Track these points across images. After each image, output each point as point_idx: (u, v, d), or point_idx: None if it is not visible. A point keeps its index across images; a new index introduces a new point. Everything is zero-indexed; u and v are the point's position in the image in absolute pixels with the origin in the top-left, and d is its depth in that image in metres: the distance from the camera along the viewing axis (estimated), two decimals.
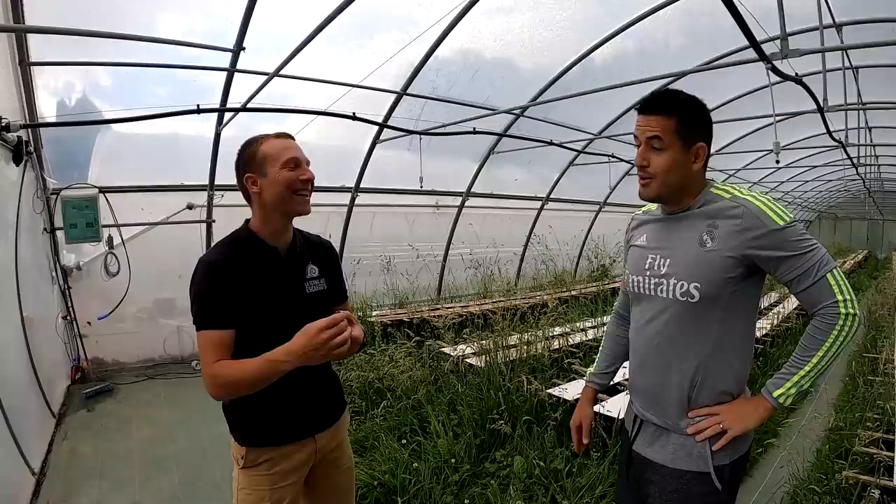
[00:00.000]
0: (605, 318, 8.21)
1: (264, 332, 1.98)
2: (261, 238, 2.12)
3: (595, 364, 2.54)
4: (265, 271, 2.07)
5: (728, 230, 1.81)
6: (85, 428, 5.42)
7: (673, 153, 1.86)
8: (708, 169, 1.97)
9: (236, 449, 2.14)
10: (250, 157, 2.08)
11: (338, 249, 8.96)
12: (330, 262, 2.35)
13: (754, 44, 3.69)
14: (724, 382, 1.91)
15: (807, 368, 1.81)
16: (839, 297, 1.75)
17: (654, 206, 2.16)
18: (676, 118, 1.84)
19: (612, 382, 2.56)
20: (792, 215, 1.79)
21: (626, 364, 2.31)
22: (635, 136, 1.96)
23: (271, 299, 2.05)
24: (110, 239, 6.68)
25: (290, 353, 1.80)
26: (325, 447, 2.24)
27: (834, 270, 1.76)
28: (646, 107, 1.91)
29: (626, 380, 2.28)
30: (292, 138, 2.15)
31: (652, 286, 2.00)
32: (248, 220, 2.18)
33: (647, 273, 2.02)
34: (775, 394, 1.84)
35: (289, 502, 2.13)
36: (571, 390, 4.98)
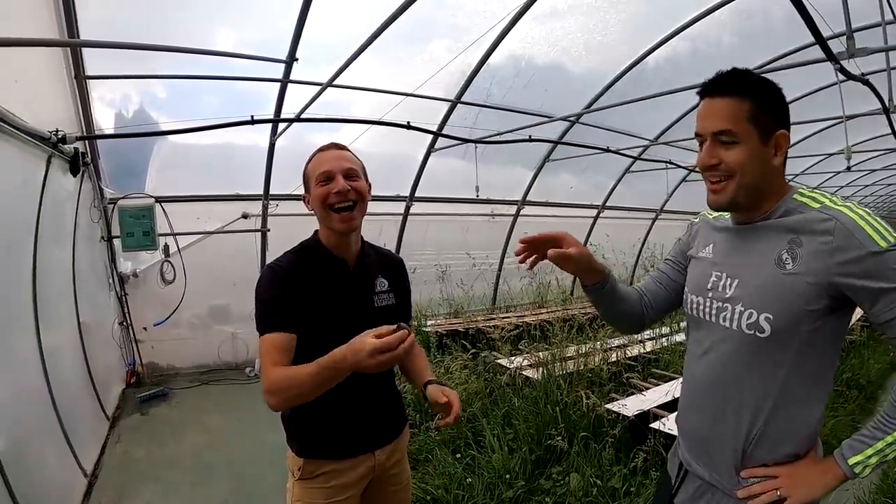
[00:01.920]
0: (662, 329, 7.98)
1: (329, 342, 1.84)
2: (327, 248, 2.08)
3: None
4: (331, 281, 2.04)
5: (814, 249, 1.43)
6: (138, 431, 5.50)
7: (750, 145, 1.49)
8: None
9: (293, 460, 2.10)
10: (303, 177, 2.07)
11: None
12: (399, 278, 2.29)
13: (822, 42, 3.49)
14: (789, 438, 1.55)
15: None
16: None
17: (726, 213, 1.74)
18: (751, 100, 1.48)
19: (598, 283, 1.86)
20: None
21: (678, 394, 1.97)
22: (697, 134, 1.59)
23: (337, 310, 2.01)
24: (166, 247, 6.78)
25: (343, 359, 1.66)
26: (384, 463, 2.17)
27: None
28: (712, 87, 1.55)
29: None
30: (340, 147, 2.08)
31: (714, 311, 1.64)
32: (316, 231, 2.15)
33: (710, 294, 1.67)
34: (851, 461, 1.46)
35: None
36: (631, 406, 4.81)
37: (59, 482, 3.85)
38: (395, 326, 1.65)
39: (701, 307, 1.70)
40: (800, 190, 1.56)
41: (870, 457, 1.44)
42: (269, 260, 2.13)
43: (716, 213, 1.81)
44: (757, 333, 1.51)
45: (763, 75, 1.56)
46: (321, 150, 2.06)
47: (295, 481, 2.09)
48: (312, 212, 2.04)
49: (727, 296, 1.60)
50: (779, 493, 1.52)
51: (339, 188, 1.95)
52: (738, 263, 1.61)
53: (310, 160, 2.06)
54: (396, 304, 2.21)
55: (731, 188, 1.53)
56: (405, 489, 2.34)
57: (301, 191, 2.11)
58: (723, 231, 1.73)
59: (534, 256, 1.84)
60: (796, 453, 1.56)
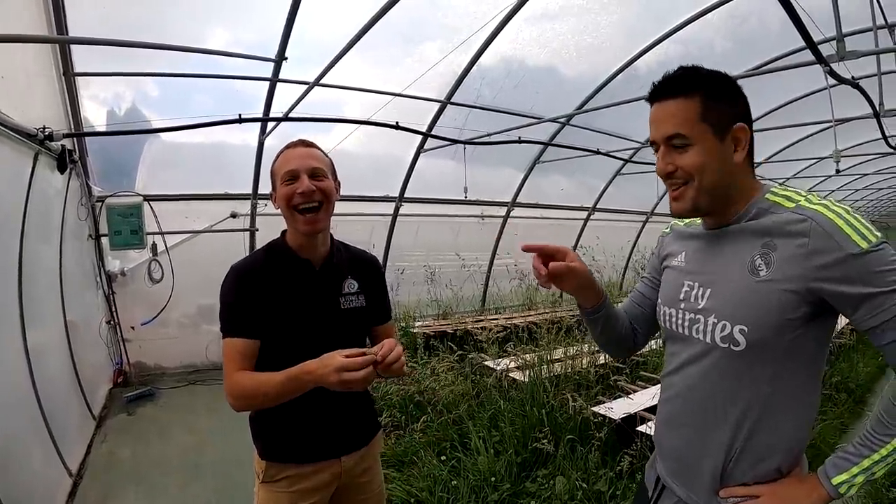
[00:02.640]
0: None
1: (292, 345, 1.91)
2: (293, 249, 2.03)
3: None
4: (295, 283, 1.99)
5: (789, 253, 1.34)
6: (124, 431, 5.47)
7: (705, 146, 1.41)
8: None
9: (257, 462, 2.07)
10: (271, 173, 2.04)
11: (381, 259, 8.96)
12: (372, 279, 2.22)
13: (812, 46, 3.51)
14: (771, 454, 1.45)
15: (884, 452, 1.32)
16: None
17: (698, 220, 1.66)
18: (701, 97, 1.40)
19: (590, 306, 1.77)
20: (879, 234, 1.28)
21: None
22: (651, 142, 1.51)
23: (300, 312, 1.97)
24: (154, 246, 6.76)
25: (309, 372, 1.71)
26: (351, 470, 2.11)
27: None
28: (659, 90, 1.46)
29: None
30: (307, 145, 2.03)
31: (686, 324, 1.56)
32: (285, 231, 2.11)
33: (682, 306, 1.58)
34: (835, 480, 1.36)
35: None
36: (617, 409, 4.82)
37: (44, 482, 3.83)
38: (362, 350, 1.69)
39: (674, 319, 1.62)
40: (772, 189, 1.47)
41: (855, 475, 1.35)
42: None
43: (686, 220, 1.74)
44: (732, 347, 1.43)
45: (714, 70, 1.48)
46: (288, 147, 2.02)
47: (259, 484, 2.06)
48: (276, 207, 2.00)
49: (699, 307, 1.52)
50: None
51: (303, 188, 1.90)
52: (711, 272, 1.53)
53: (277, 157, 2.01)
54: (368, 306, 2.16)
55: (690, 194, 1.46)
56: (376, 498, 2.26)
57: None
58: (694, 238, 1.65)
59: (546, 273, 1.64)
60: (779, 469, 1.46)
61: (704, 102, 1.40)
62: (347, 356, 1.65)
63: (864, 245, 1.26)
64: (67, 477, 4.24)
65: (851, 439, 1.41)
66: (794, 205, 1.38)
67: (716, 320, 1.46)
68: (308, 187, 1.90)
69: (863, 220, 1.30)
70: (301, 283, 2.00)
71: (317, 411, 2.00)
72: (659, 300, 1.73)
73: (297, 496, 2.00)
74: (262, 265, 1.99)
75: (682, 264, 1.65)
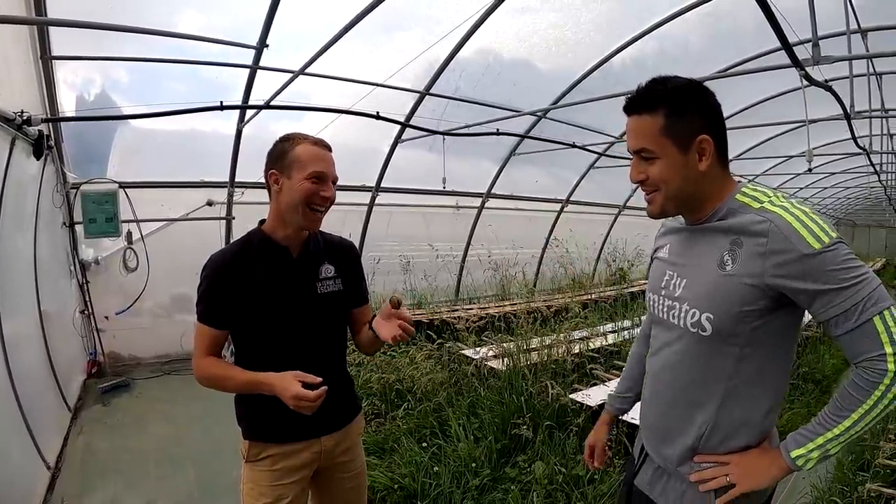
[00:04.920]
0: (623, 322, 8.13)
1: (273, 329, 2.05)
2: (272, 237, 2.10)
3: (617, 385, 2.30)
4: (273, 270, 2.07)
5: (751, 251, 1.48)
6: (101, 423, 5.41)
7: (669, 159, 1.56)
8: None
9: (242, 443, 2.17)
10: (281, 154, 2.03)
11: (357, 248, 8.84)
12: (349, 264, 2.30)
13: (788, 49, 3.58)
14: (738, 434, 1.62)
15: (836, 430, 1.47)
16: (889, 350, 1.37)
17: None
18: (664, 113, 1.54)
19: (631, 407, 2.23)
20: (834, 234, 1.42)
21: None
22: (629, 150, 1.68)
23: (278, 298, 2.06)
24: (129, 234, 6.67)
25: (270, 385, 1.93)
26: (332, 450, 2.21)
27: (885, 312, 1.38)
28: (629, 105, 1.62)
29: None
30: (330, 150, 2.09)
31: (665, 309, 1.73)
32: (262, 221, 2.17)
33: (663, 293, 1.74)
34: (793, 454, 1.51)
35: (290, 500, 2.11)
36: (594, 396, 4.91)
37: (22, 475, 3.77)
38: (320, 380, 1.90)
39: (657, 305, 1.79)
40: (743, 189, 1.60)
41: (811, 451, 1.50)
42: None
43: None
44: (700, 332, 1.58)
45: (684, 79, 1.60)
46: (315, 143, 2.05)
47: (244, 463, 2.16)
48: (275, 187, 2.04)
49: (676, 295, 1.68)
50: (728, 479, 1.59)
51: (328, 194, 2.03)
52: (687, 264, 1.69)
53: (297, 144, 2.02)
54: (345, 290, 2.24)
55: (659, 199, 1.63)
56: (357, 477, 2.36)
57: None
58: (677, 232, 1.80)
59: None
60: (748, 444, 1.62)
61: (668, 117, 1.54)
62: (303, 381, 1.88)
63: (818, 246, 1.39)
64: (45, 469, 4.19)
65: (812, 419, 1.56)
66: (759, 206, 1.52)
67: (688, 308, 1.62)
68: (333, 195, 2.06)
69: (819, 222, 1.43)
70: (279, 270, 2.08)
71: None
72: (647, 287, 1.90)
73: (280, 474, 2.11)
74: (239, 255, 2.07)
75: (666, 255, 1.81)
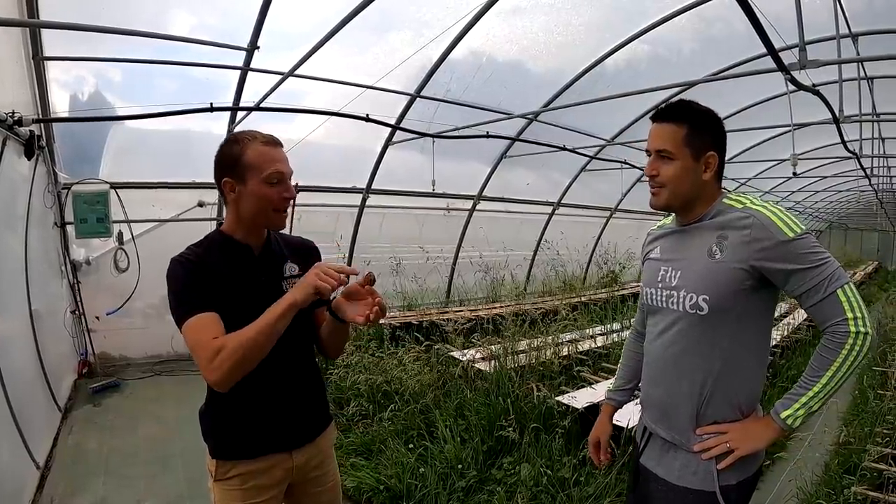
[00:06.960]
0: (614, 324, 8.14)
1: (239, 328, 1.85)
2: (233, 238, 2.03)
3: (614, 381, 2.55)
4: (238, 268, 1.99)
5: (737, 241, 1.80)
6: (91, 423, 5.44)
7: (682, 163, 1.88)
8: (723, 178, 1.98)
9: (209, 461, 2.07)
10: (230, 159, 1.93)
11: (348, 250, 9.00)
12: (312, 262, 2.13)
13: (774, 55, 3.64)
14: (734, 398, 1.90)
15: (815, 389, 1.76)
16: (849, 315, 1.70)
17: (668, 221, 2.17)
18: (687, 127, 1.86)
19: (630, 399, 2.52)
20: (804, 227, 1.76)
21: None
22: (647, 150, 1.98)
23: (246, 296, 1.94)
24: (120, 235, 6.70)
25: (293, 292, 1.80)
26: (303, 465, 2.12)
27: (846, 286, 1.71)
28: (658, 115, 1.93)
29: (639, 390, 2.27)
30: (281, 146, 2.00)
31: (663, 298, 2.00)
32: (220, 224, 2.11)
33: (659, 285, 2.02)
34: (783, 415, 1.80)
35: None
36: (581, 398, 4.92)
37: (12, 474, 3.78)
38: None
39: (654, 296, 2.05)
40: (728, 195, 1.95)
41: (797, 409, 1.78)
42: None
43: (659, 224, 2.24)
44: (698, 312, 1.86)
45: (705, 107, 1.93)
46: (266, 142, 1.95)
47: (213, 483, 2.06)
48: (231, 195, 1.96)
49: (673, 285, 1.96)
50: (728, 445, 1.84)
51: (290, 194, 1.97)
52: (680, 258, 1.98)
53: (246, 146, 1.92)
54: None
55: (664, 195, 1.94)
56: (331, 490, 2.28)
57: None
58: (667, 235, 2.11)
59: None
60: (742, 410, 1.90)
61: (690, 131, 1.87)
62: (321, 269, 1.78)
63: (791, 234, 1.73)
64: (35, 469, 4.22)
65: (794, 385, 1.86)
66: (742, 206, 1.86)
67: (685, 293, 1.90)
68: (293, 193, 2.01)
69: (792, 217, 1.78)
70: (244, 268, 2.01)
71: (265, 404, 2.02)
72: (642, 285, 2.18)
73: (251, 493, 2.01)
74: (205, 255, 1.97)
75: (659, 255, 2.11)
